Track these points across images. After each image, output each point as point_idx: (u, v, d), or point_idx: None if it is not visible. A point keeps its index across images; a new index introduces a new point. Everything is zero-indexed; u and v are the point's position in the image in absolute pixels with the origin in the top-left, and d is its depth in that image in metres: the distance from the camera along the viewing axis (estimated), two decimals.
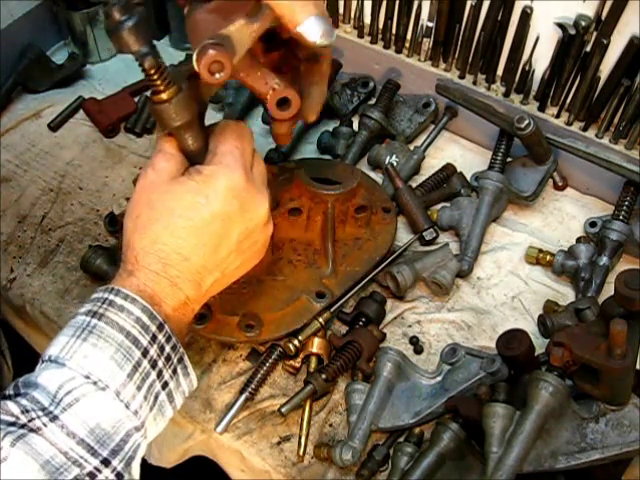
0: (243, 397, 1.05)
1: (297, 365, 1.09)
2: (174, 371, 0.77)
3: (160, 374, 0.75)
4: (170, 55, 1.55)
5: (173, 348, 0.77)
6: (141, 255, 0.79)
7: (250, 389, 1.05)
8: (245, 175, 0.83)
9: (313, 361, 1.08)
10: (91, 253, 1.16)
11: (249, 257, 0.89)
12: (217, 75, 0.76)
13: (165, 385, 0.76)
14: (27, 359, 1.14)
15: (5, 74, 1.45)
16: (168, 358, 0.76)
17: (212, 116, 1.47)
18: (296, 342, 1.06)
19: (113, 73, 1.55)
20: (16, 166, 1.36)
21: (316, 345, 1.07)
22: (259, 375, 1.06)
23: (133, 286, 0.77)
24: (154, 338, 0.74)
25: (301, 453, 1.01)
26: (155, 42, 0.77)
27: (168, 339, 0.76)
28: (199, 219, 0.80)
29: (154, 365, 0.74)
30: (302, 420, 1.03)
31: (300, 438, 1.02)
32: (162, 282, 0.78)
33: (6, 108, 1.47)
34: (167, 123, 0.82)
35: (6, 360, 1.08)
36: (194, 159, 0.86)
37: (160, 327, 0.75)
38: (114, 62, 1.58)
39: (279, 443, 1.04)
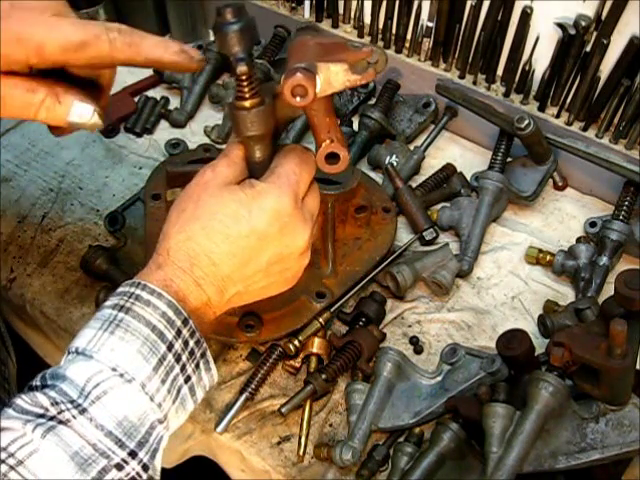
0: (243, 397, 1.05)
1: (297, 365, 1.09)
2: (197, 365, 0.78)
3: (183, 368, 0.76)
4: None
5: (197, 343, 0.78)
6: (174, 249, 0.80)
7: (250, 389, 1.05)
8: (294, 201, 0.84)
9: (313, 361, 1.08)
10: (91, 253, 1.17)
11: (276, 281, 0.90)
12: (298, 99, 0.77)
13: (188, 379, 0.77)
14: (29, 359, 1.15)
15: None
16: (192, 352, 0.77)
17: (212, 116, 1.47)
18: (296, 342, 1.06)
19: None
20: (16, 166, 1.36)
21: (316, 345, 1.07)
22: (259, 375, 1.06)
23: (160, 280, 0.78)
24: (179, 333, 0.75)
25: (301, 453, 1.01)
26: None
27: (192, 334, 0.77)
28: (236, 230, 0.81)
29: (178, 359, 0.75)
30: (302, 420, 1.03)
31: (300, 438, 1.02)
32: (187, 280, 0.79)
33: None
34: (241, 130, 0.83)
35: (11, 356, 1.09)
36: (255, 172, 0.87)
37: (185, 322, 0.76)
38: None
39: (279, 443, 1.04)
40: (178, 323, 0.75)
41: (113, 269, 1.16)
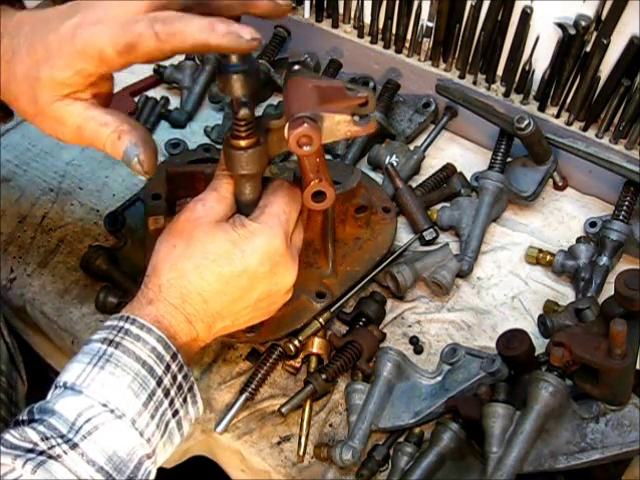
0: (243, 397, 1.05)
1: (297, 365, 1.09)
2: (184, 399, 0.79)
3: (172, 403, 0.77)
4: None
5: (185, 377, 0.79)
6: (165, 286, 0.81)
7: (250, 389, 1.05)
8: (285, 242, 0.85)
9: (313, 361, 1.08)
10: (91, 253, 1.17)
11: (261, 314, 0.92)
12: (304, 148, 0.78)
13: (175, 413, 0.78)
14: (40, 374, 1.15)
15: None
16: (180, 387, 0.78)
17: (212, 116, 1.47)
18: (296, 342, 1.06)
19: (113, 73, 1.55)
20: (16, 166, 1.36)
21: (316, 345, 1.07)
22: (259, 375, 1.06)
23: (151, 316, 0.79)
24: (168, 367, 0.76)
25: (301, 453, 1.01)
26: None
27: (180, 368, 0.78)
28: (229, 270, 0.82)
29: (167, 394, 0.76)
30: (302, 420, 1.03)
31: (300, 438, 1.02)
32: (179, 317, 0.80)
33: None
34: (235, 168, 0.84)
35: (21, 375, 1.09)
36: (243, 208, 0.88)
37: (174, 357, 0.77)
38: None
39: (279, 443, 1.04)
40: (167, 358, 0.76)
41: (113, 269, 1.16)
